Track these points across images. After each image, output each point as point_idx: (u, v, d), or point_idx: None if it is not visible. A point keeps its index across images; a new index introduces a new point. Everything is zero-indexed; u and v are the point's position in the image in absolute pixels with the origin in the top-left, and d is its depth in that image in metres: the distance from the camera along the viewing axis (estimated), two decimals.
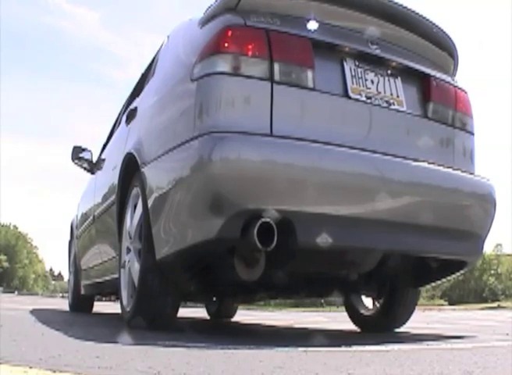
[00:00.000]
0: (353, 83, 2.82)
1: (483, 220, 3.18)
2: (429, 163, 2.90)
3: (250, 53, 2.54)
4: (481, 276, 47.30)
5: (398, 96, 2.96)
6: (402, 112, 2.95)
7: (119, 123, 4.30)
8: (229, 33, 2.53)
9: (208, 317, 6.33)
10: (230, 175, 2.35)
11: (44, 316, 4.85)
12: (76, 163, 5.08)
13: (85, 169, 5.22)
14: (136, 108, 3.63)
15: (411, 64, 3.08)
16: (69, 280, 6.29)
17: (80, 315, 5.53)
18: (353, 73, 2.84)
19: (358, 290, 3.76)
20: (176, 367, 1.73)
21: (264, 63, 2.55)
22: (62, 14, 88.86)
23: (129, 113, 3.78)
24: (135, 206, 3.17)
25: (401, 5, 3.03)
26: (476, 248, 3.16)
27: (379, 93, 2.90)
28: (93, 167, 5.08)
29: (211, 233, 2.35)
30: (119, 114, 4.70)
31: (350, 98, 2.78)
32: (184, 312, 6.34)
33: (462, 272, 3.38)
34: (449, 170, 3.00)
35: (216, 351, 2.26)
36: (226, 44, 2.51)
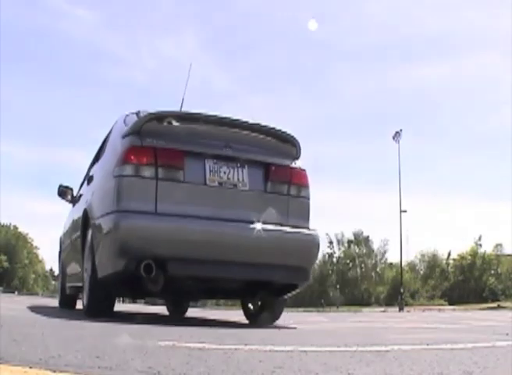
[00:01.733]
0: (210, 174, 4.33)
1: (309, 258, 4.67)
2: (266, 223, 4.32)
3: (144, 162, 4.15)
4: (481, 276, 47.28)
5: (243, 180, 4.43)
6: (245, 190, 4.42)
7: (88, 179, 5.67)
8: (133, 150, 4.18)
9: (168, 313, 7.80)
10: (129, 235, 4.01)
11: (43, 316, 4.85)
12: (61, 198, 6.69)
13: (68, 201, 6.75)
14: (92, 176, 5.33)
15: (256, 157, 4.56)
16: (58, 283, 7.92)
17: (78, 314, 5.53)
18: (211, 169, 4.35)
19: (240, 297, 5.55)
20: (176, 367, 1.73)
21: (152, 168, 4.15)
22: (62, 14, 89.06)
23: (89, 178, 5.52)
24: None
25: (248, 121, 4.64)
26: (304, 276, 4.65)
27: (229, 179, 4.38)
28: (73, 201, 6.60)
29: (120, 267, 4.03)
30: (89, 166, 6.09)
31: (206, 185, 4.31)
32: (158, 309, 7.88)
33: (296, 291, 4.90)
34: (282, 226, 4.43)
35: (216, 351, 2.26)
36: (131, 157, 4.15)
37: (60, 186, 6.61)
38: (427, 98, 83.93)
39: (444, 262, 53.33)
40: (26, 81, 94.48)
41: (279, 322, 5.17)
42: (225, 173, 4.37)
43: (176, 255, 4.07)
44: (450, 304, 39.62)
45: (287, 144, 4.72)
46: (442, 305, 38.05)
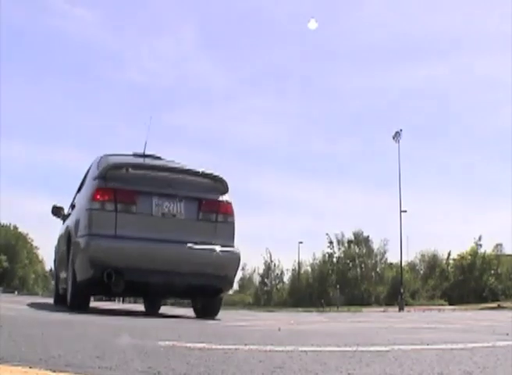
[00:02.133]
0: (155, 208, 5.81)
1: (231, 269, 6.10)
2: (198, 243, 5.80)
3: (107, 200, 5.61)
4: (481, 276, 47.28)
5: (181, 211, 5.87)
6: (182, 219, 5.89)
7: (72, 206, 7.31)
8: (99, 191, 5.67)
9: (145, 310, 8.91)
10: (96, 252, 5.51)
11: (43, 316, 4.85)
12: (54, 216, 8.09)
13: (60, 218, 8.12)
14: (74, 205, 7.02)
15: (191, 194, 5.97)
16: (54, 284, 9.41)
17: (79, 315, 5.54)
18: (156, 203, 5.81)
19: (186, 298, 7.87)
20: (176, 367, 1.73)
21: (113, 204, 5.62)
22: (61, 14, 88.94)
23: (72, 205, 7.22)
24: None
25: (186, 167, 6.31)
26: (228, 283, 6.20)
27: (170, 211, 5.82)
28: (63, 218, 7.89)
29: (90, 275, 5.51)
30: (75, 193, 7.45)
31: (153, 215, 5.80)
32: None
33: (223, 294, 6.42)
34: (211, 245, 5.86)
35: (216, 351, 2.26)
36: (98, 196, 5.65)
37: (53, 206, 8.08)
38: (427, 98, 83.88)
39: (444, 262, 53.32)
40: (26, 81, 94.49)
41: (278, 323, 5.16)
42: (166, 206, 5.85)
43: (131, 266, 5.56)
44: (450, 304, 39.62)
45: (217, 182, 6.12)
46: (442, 305, 38.04)
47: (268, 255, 55.14)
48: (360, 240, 53.34)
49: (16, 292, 52.24)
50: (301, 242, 53.19)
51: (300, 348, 2.36)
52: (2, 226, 76.51)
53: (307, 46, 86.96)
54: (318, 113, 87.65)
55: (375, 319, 9.60)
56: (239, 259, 6.14)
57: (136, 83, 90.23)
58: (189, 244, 5.74)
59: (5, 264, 72.67)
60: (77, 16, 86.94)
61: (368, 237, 53.45)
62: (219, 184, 6.10)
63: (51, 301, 9.92)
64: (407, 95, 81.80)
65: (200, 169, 6.14)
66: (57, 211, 8.01)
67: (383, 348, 2.52)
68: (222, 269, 5.89)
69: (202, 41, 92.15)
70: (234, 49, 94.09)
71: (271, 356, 2.15)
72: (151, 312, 8.34)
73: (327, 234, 51.94)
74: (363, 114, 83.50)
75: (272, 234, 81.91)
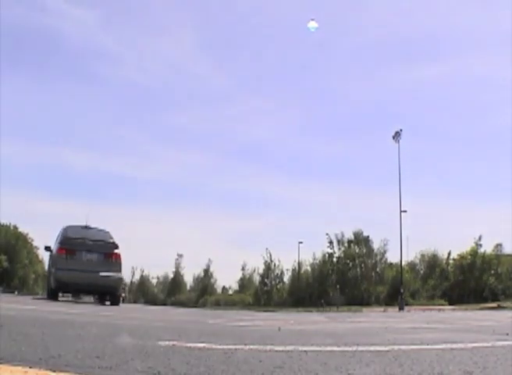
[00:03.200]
0: (84, 256, 12.80)
1: (116, 284, 13.05)
2: (103, 271, 12.46)
3: (64, 253, 12.50)
4: (481, 276, 47.21)
5: (96, 258, 12.66)
6: (96, 261, 12.63)
7: (49, 248, 14.11)
8: (59, 248, 12.61)
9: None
10: (58, 277, 12.31)
11: (43, 316, 4.85)
12: (46, 251, 14.23)
13: (49, 252, 14.15)
14: (52, 250, 13.69)
15: (100, 250, 12.78)
16: (46, 282, 16.00)
17: (78, 315, 5.54)
18: (85, 254, 12.75)
19: (101, 297, 15.37)
20: (176, 367, 1.73)
21: (65, 255, 12.74)
22: (60, 14, 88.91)
23: (51, 249, 13.74)
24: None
25: (98, 238, 13.46)
26: (116, 290, 13.24)
27: (91, 258, 12.66)
28: (50, 252, 13.95)
29: (56, 285, 12.48)
30: (55, 241, 13.89)
31: (82, 260, 12.93)
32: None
33: (118, 294, 13.67)
34: (109, 273, 12.53)
35: (216, 351, 2.26)
36: (59, 251, 12.62)
37: (46, 247, 14.24)
38: (427, 98, 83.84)
39: (444, 262, 53.28)
40: (26, 81, 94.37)
41: (278, 323, 5.15)
42: (89, 256, 12.45)
43: (73, 281, 12.13)
44: (450, 304, 39.59)
45: (113, 244, 12.93)
46: (442, 304, 38.01)
47: (268, 255, 55.09)
48: (360, 240, 53.30)
49: (16, 292, 52.24)
50: (301, 242, 53.17)
51: (300, 348, 2.36)
52: (2, 226, 76.41)
53: (307, 46, 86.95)
54: (318, 113, 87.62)
55: (374, 319, 9.60)
56: (120, 280, 13.75)
57: (137, 84, 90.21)
58: (100, 273, 12.26)
59: (5, 264, 72.59)
60: (77, 17, 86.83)
61: (368, 237, 53.43)
62: (113, 245, 12.93)
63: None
64: (407, 95, 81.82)
65: (108, 239, 12.94)
66: (48, 248, 14.09)
67: (383, 348, 2.52)
68: (114, 283, 12.69)
69: (202, 42, 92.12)
70: (234, 49, 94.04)
71: (271, 356, 2.15)
72: (98, 303, 15.39)
73: (327, 234, 51.90)
74: (363, 114, 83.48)
75: (272, 234, 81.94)
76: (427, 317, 11.11)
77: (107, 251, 12.64)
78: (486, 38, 78.71)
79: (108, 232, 13.55)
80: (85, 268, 12.07)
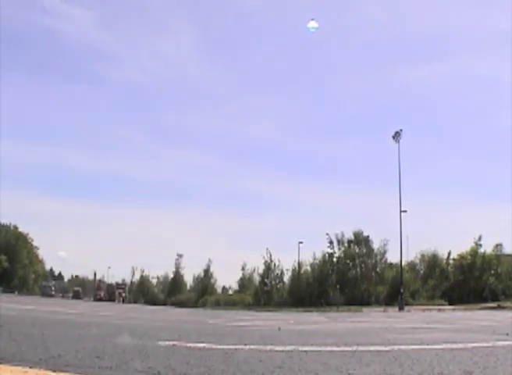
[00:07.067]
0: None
1: None
2: None
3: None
4: (481, 276, 47.12)
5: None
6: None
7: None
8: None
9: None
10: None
11: (43, 316, 4.85)
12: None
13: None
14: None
15: None
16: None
17: (78, 315, 5.54)
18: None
19: None
20: (176, 367, 1.73)
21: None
22: (59, 14, 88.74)
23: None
24: None
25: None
26: None
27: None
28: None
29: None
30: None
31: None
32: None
33: None
34: None
35: (216, 351, 2.26)
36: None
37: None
38: (427, 98, 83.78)
39: (444, 262, 53.23)
40: (26, 81, 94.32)
41: (278, 323, 5.16)
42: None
43: None
44: (450, 304, 39.55)
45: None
46: (442, 304, 37.97)
47: (268, 255, 55.03)
48: (360, 240, 53.23)
49: (16, 292, 52.40)
50: (301, 242, 53.12)
51: (300, 348, 2.36)
52: (2, 226, 76.44)
53: (307, 46, 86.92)
54: (318, 113, 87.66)
55: (374, 319, 9.61)
56: None
57: (136, 83, 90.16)
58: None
59: (5, 264, 72.63)
60: (76, 17, 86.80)
61: (368, 237, 53.36)
62: None
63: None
64: (407, 95, 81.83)
65: None
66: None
67: (383, 348, 2.52)
68: None
69: (202, 42, 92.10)
70: (234, 49, 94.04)
71: (271, 356, 2.15)
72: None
73: (327, 234, 51.85)
74: (363, 114, 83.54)
75: (272, 234, 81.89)
76: (427, 317, 11.11)
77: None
78: (486, 38, 78.72)
79: None
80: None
